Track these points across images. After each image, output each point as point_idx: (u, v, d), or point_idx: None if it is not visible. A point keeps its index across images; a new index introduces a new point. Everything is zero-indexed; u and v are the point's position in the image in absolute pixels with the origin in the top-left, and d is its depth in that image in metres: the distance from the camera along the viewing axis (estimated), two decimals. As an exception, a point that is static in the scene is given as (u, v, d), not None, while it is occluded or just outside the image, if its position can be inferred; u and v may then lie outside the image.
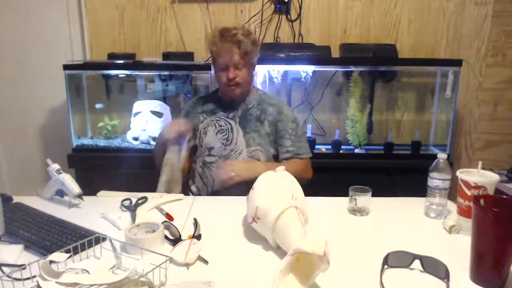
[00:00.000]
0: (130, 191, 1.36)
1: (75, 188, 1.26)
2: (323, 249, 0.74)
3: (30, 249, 0.98)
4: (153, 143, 2.25)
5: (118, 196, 1.34)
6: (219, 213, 1.24)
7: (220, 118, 1.60)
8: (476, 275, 0.87)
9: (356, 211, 1.22)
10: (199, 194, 1.56)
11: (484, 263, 0.85)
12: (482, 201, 0.89)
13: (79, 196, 1.26)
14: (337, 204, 1.31)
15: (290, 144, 1.58)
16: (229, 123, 1.58)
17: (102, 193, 1.39)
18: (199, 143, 1.61)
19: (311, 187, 1.54)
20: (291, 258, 0.78)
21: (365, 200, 1.20)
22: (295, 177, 1.45)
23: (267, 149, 1.57)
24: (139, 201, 1.29)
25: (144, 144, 2.27)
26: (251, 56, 1.54)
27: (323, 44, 2.33)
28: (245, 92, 1.61)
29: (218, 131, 1.58)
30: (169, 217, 1.21)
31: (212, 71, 2.23)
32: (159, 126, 2.25)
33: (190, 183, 1.63)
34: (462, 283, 0.86)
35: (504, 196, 0.93)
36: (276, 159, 1.60)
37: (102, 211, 1.21)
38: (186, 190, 1.59)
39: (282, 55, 2.18)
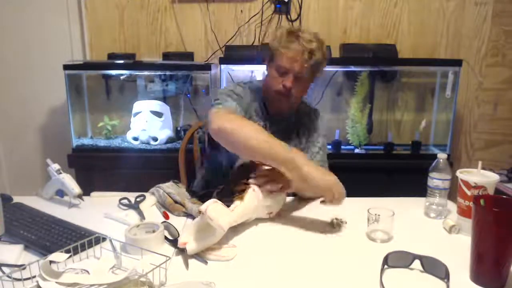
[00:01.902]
0: (130, 191, 1.36)
1: (75, 188, 1.26)
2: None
3: (30, 249, 0.98)
4: (153, 143, 2.25)
5: (112, 196, 1.34)
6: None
7: (263, 126, 1.34)
8: (476, 275, 0.87)
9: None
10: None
11: (484, 263, 0.85)
12: (482, 201, 0.90)
13: (79, 196, 1.26)
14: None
15: (319, 159, 1.44)
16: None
17: (95, 194, 1.38)
18: None
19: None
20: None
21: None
22: None
23: None
24: (138, 199, 1.30)
25: (144, 144, 2.27)
26: (318, 71, 1.34)
27: (323, 44, 2.33)
28: (293, 106, 1.41)
29: None
30: (166, 215, 1.22)
31: (213, 71, 2.25)
32: (159, 126, 2.25)
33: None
34: (462, 283, 0.86)
35: (504, 196, 0.93)
36: None
37: (102, 211, 1.22)
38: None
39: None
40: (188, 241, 0.96)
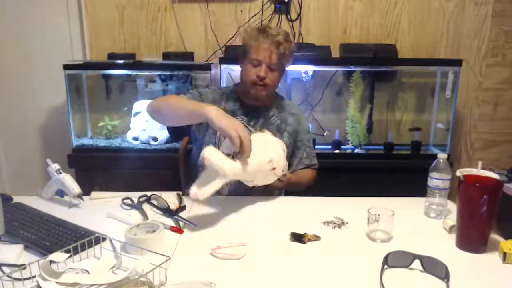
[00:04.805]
0: (130, 191, 1.36)
1: (75, 188, 1.26)
2: None
3: (30, 249, 0.99)
4: (153, 143, 2.25)
5: (111, 197, 1.34)
6: (220, 212, 1.24)
7: (240, 123, 1.47)
8: (462, 242, 1.02)
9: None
10: None
11: (469, 231, 1.00)
12: (461, 177, 1.04)
13: (79, 196, 1.26)
14: (335, 204, 1.31)
15: (306, 156, 1.57)
16: (250, 131, 1.46)
17: (95, 195, 1.37)
18: (217, 144, 1.48)
19: (311, 187, 1.56)
20: None
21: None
22: (306, 184, 1.51)
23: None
24: (141, 199, 1.30)
25: (144, 144, 2.27)
26: (286, 61, 1.49)
27: (323, 44, 2.33)
28: (269, 98, 1.53)
29: None
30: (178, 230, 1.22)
31: (213, 71, 2.25)
32: (159, 126, 2.25)
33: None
34: (462, 283, 0.87)
35: (483, 175, 1.07)
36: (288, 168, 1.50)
37: (103, 211, 1.22)
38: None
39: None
40: (197, 190, 1.02)
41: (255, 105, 1.53)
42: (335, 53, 2.32)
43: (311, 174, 1.59)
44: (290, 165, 1.54)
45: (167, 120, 1.45)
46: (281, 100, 1.62)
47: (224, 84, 2.25)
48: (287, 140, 1.53)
